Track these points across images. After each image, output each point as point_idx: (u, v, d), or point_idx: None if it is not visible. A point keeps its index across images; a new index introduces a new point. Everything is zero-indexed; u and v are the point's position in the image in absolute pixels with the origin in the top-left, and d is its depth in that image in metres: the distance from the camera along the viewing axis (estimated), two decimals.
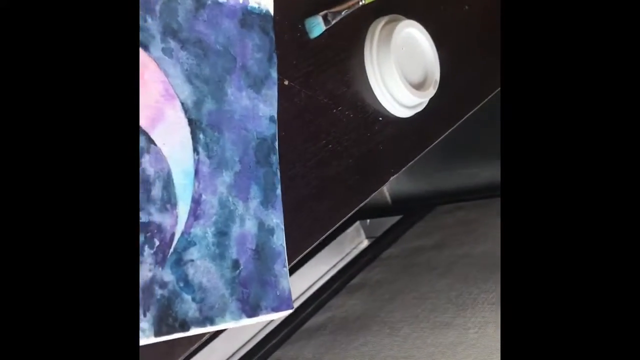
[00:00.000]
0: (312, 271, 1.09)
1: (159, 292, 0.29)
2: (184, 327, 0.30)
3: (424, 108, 0.50)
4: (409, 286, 0.84)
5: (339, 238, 1.16)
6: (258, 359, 0.84)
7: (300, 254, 0.40)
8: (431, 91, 0.48)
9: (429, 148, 0.50)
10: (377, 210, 1.17)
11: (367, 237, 1.18)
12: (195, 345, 0.34)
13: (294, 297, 1.12)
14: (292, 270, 1.20)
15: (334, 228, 0.43)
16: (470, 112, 0.55)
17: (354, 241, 1.18)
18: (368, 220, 1.19)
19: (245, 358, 0.85)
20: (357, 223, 1.19)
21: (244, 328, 0.97)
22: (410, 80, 0.46)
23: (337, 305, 0.90)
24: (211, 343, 0.93)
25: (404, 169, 0.48)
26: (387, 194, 1.17)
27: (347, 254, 1.15)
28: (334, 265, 1.12)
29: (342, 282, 0.94)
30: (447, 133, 0.52)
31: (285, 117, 0.38)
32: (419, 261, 0.90)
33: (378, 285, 0.90)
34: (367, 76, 0.45)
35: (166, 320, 0.30)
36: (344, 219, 0.43)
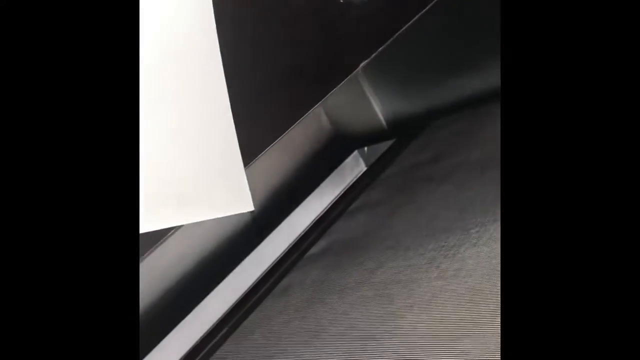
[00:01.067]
0: (316, 203, 1.09)
1: None
2: None
3: None
4: (408, 200, 0.83)
5: (339, 169, 1.15)
6: (267, 289, 0.85)
7: (268, 146, 0.39)
8: None
9: (399, 32, 0.48)
10: (374, 137, 1.16)
11: (367, 165, 1.17)
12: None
13: (298, 231, 1.11)
14: (294, 204, 1.19)
15: (303, 118, 0.41)
16: None
17: (354, 170, 1.17)
18: (366, 148, 1.17)
19: (255, 289, 0.86)
20: (356, 152, 1.18)
21: (254, 262, 0.98)
22: None
23: (340, 229, 0.90)
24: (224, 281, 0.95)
25: (374, 55, 0.46)
26: (382, 119, 1.15)
27: (348, 184, 1.14)
28: (337, 196, 1.11)
29: (342, 207, 0.94)
30: (418, 16, 0.50)
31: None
32: (416, 176, 0.90)
33: (378, 204, 0.90)
34: None
35: None
36: (314, 107, 0.42)
